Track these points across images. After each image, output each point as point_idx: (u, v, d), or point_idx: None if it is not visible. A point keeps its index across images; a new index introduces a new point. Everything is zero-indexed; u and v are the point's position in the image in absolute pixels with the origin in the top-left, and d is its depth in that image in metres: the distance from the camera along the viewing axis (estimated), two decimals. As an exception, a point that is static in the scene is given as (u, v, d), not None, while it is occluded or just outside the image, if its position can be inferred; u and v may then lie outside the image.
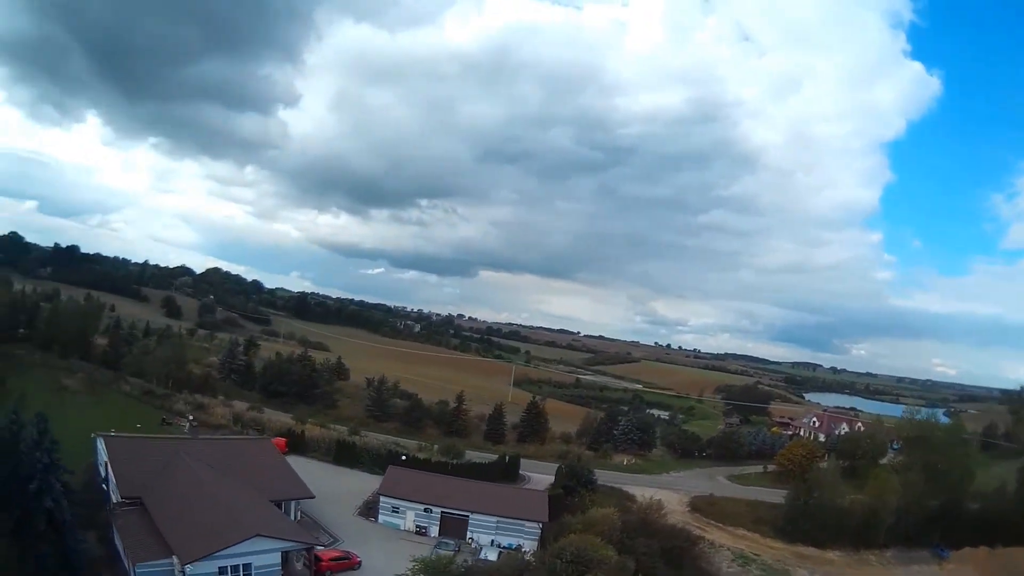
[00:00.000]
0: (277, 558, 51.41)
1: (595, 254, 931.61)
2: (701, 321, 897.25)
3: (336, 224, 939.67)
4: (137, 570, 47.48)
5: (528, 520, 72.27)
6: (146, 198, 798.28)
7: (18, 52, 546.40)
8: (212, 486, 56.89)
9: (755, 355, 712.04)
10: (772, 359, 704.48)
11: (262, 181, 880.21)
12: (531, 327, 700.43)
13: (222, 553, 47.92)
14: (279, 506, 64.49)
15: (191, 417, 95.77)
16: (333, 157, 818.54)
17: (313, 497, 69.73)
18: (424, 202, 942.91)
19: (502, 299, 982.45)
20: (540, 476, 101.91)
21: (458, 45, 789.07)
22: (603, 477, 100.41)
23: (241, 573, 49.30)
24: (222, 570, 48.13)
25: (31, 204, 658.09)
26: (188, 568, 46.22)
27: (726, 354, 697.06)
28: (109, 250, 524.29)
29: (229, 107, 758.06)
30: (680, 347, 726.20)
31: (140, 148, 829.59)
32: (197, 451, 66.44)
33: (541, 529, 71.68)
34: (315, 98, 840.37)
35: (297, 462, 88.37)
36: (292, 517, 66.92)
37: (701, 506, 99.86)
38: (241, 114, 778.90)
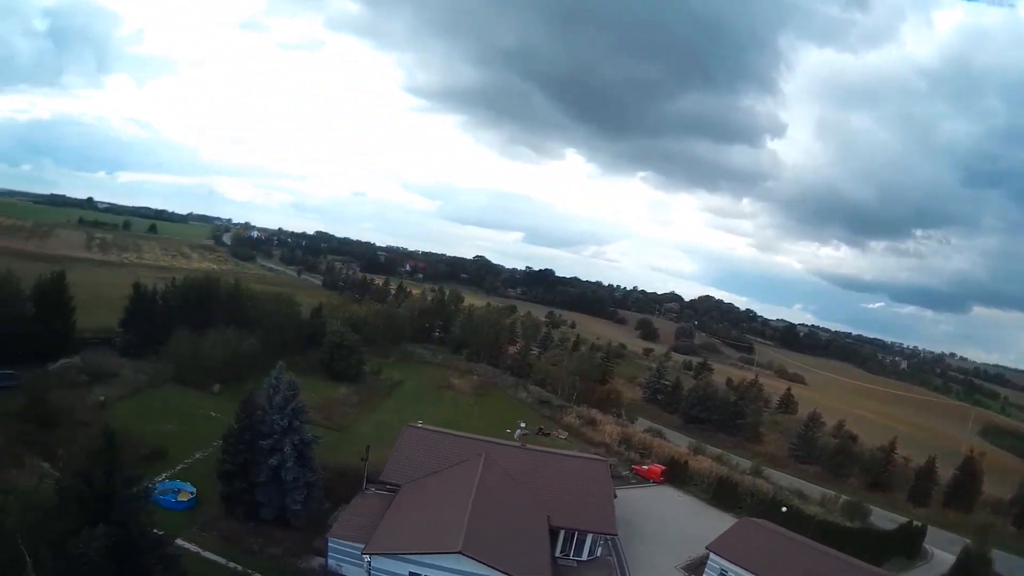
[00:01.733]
0: (485, 584, 40.49)
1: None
2: None
3: (836, 256, 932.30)
4: (329, 543, 45.83)
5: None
6: (641, 229, 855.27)
7: (475, 101, 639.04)
8: (475, 492, 48.39)
9: None
10: None
11: (759, 212, 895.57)
12: (1017, 370, 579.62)
13: (413, 558, 40.68)
14: (571, 535, 55.32)
15: (523, 424, 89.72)
16: (825, 185, 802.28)
17: (614, 535, 57.53)
18: (919, 232, 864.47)
19: (994, 338, 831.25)
20: (946, 556, 76.41)
21: (920, 59, 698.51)
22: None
23: (437, 586, 41.13)
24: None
25: (516, 235, 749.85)
26: (368, 559, 41.43)
27: None
28: (604, 277, 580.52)
29: (717, 140, 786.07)
30: None
31: (630, 182, 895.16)
32: (505, 458, 60.34)
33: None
34: (799, 126, 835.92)
35: (666, 494, 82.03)
36: (588, 551, 55.87)
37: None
38: (730, 146, 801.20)
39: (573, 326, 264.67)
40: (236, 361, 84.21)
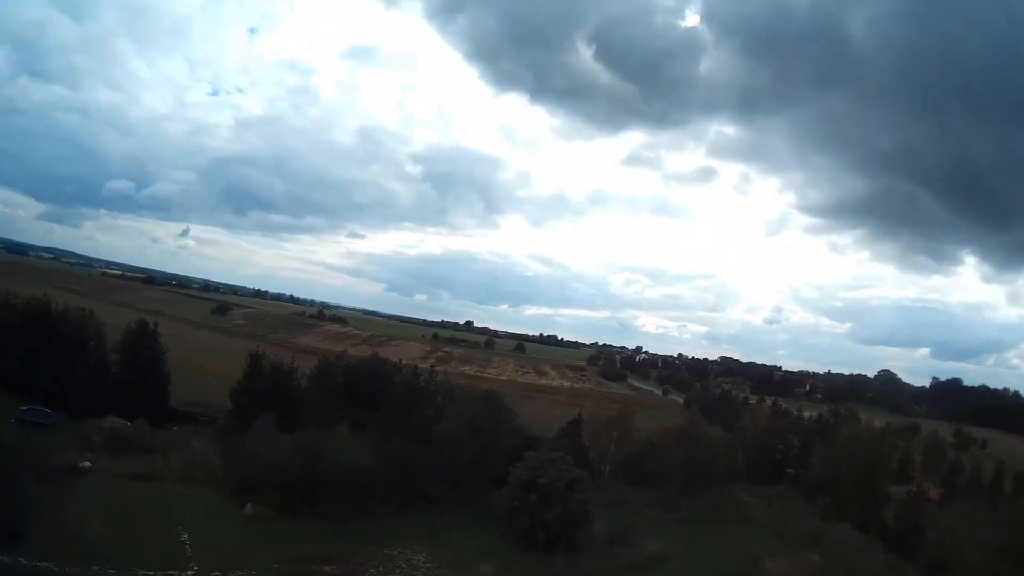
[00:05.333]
0: None
1: None
2: None
3: None
4: None
5: None
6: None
7: (867, 212, 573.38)
8: None
9: None
10: None
11: None
12: None
13: None
14: None
15: None
16: None
17: None
18: None
19: None
20: None
21: None
22: None
23: None
24: None
25: (923, 351, 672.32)
26: None
27: None
28: (1012, 384, 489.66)
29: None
30: None
31: (1021, 277, 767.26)
32: None
33: None
34: None
35: None
36: None
37: None
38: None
39: (984, 446, 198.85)
40: (321, 480, 56.34)
